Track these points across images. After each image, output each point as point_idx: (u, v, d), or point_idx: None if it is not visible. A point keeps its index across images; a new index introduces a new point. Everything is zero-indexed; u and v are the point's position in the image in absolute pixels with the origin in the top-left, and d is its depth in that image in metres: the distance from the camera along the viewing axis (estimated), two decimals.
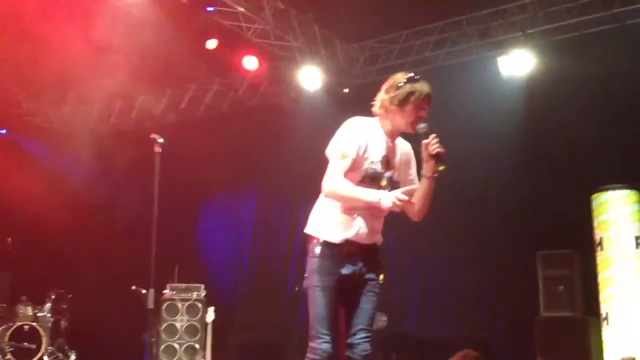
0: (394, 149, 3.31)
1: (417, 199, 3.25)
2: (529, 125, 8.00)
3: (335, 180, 3.16)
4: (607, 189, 7.25)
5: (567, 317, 7.38)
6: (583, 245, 7.39)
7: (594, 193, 7.32)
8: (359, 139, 3.19)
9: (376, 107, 3.29)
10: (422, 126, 3.20)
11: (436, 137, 3.16)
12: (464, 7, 8.36)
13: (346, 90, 9.31)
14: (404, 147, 3.39)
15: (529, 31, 8.07)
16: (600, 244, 7.22)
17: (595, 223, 7.29)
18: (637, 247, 7.08)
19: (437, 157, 3.13)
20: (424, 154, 3.16)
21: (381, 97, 3.26)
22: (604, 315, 7.12)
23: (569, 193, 7.56)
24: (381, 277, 3.33)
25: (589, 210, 7.32)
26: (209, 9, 7.93)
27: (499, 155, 7.94)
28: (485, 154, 7.96)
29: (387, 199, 3.08)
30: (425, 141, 3.15)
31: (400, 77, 3.23)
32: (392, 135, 3.29)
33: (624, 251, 7.08)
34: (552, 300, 7.48)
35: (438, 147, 3.12)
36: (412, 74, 3.25)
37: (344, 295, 3.17)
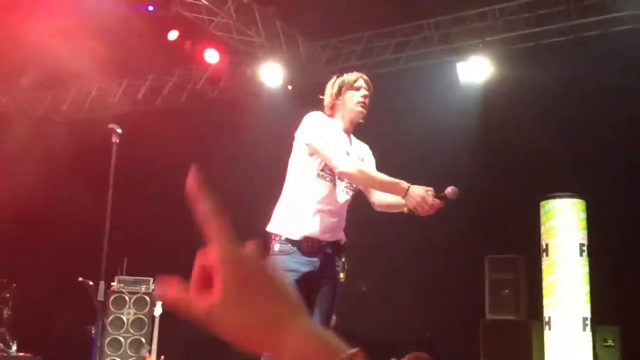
0: (350, 145, 3.37)
1: (386, 201, 3.35)
2: (483, 131, 8.16)
3: (353, 161, 3.19)
4: (555, 197, 7.44)
5: (511, 320, 7.55)
6: (530, 251, 7.57)
7: (542, 200, 7.51)
8: (332, 128, 3.28)
9: (327, 111, 3.39)
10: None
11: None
12: (426, 11, 8.47)
13: (290, 88, 9.31)
14: (360, 147, 3.45)
15: (488, 39, 8.23)
16: (546, 249, 7.41)
17: (543, 229, 7.48)
18: (581, 255, 7.29)
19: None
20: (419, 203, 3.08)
21: (325, 102, 3.40)
22: (546, 320, 7.31)
23: (519, 199, 7.73)
24: (342, 275, 3.37)
25: (537, 217, 7.50)
26: (149, 8, 7.84)
27: (453, 159, 8.08)
28: (439, 157, 8.08)
29: (417, 192, 3.04)
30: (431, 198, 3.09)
31: (331, 80, 3.51)
32: (347, 131, 3.37)
33: (568, 258, 7.28)
34: (497, 303, 7.65)
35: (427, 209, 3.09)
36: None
37: (303, 293, 3.19)
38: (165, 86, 10.21)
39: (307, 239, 3.19)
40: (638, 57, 7.77)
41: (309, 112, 3.38)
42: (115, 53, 8.37)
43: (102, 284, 4.44)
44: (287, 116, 3.45)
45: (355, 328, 8.32)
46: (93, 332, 7.02)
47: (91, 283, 6.75)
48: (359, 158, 3.38)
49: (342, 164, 3.12)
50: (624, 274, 7.52)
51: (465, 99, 8.24)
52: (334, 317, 7.33)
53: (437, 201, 3.08)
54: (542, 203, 7.51)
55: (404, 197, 3.08)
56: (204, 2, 8.07)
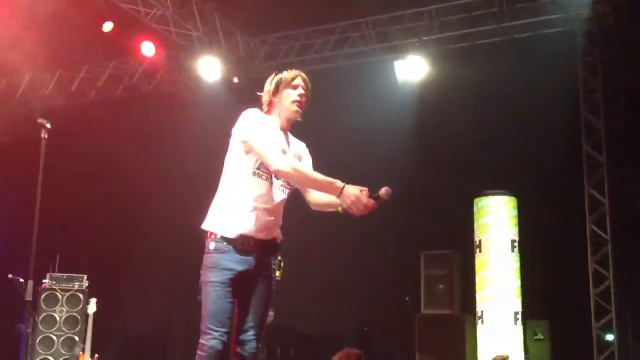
0: (287, 143, 3.36)
1: (321, 201, 3.34)
2: (420, 130, 8.30)
3: (288, 160, 3.16)
4: (488, 194, 7.64)
5: (445, 315, 7.72)
6: (464, 247, 7.75)
7: (476, 197, 7.70)
8: (269, 126, 3.25)
9: (265, 108, 3.37)
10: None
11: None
12: (364, 10, 8.54)
13: (236, 80, 9.26)
14: (298, 145, 3.44)
15: (425, 38, 8.36)
16: (479, 246, 7.60)
17: (476, 226, 7.67)
18: (512, 251, 7.51)
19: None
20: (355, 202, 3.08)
21: (264, 100, 3.38)
22: (479, 314, 7.51)
23: (454, 196, 7.90)
24: (278, 274, 3.36)
25: (472, 214, 7.69)
26: None
27: (390, 156, 8.19)
28: (376, 154, 8.18)
29: (351, 192, 3.05)
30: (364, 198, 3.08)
31: (270, 77, 3.44)
32: (284, 129, 3.36)
33: (501, 254, 7.49)
34: (432, 299, 7.80)
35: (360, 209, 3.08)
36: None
37: (239, 292, 3.18)
38: (100, 78, 9.97)
39: (242, 238, 3.17)
40: (568, 58, 8.06)
41: (246, 107, 3.36)
42: (48, 43, 8.12)
43: (30, 282, 4.30)
44: (225, 111, 3.43)
45: (293, 324, 8.36)
46: (22, 330, 6.82)
47: (22, 281, 6.56)
48: (297, 157, 3.37)
49: (277, 162, 3.11)
50: (553, 270, 7.80)
51: (402, 97, 8.36)
52: (271, 314, 7.36)
53: (371, 201, 3.10)
54: (476, 200, 7.70)
55: (338, 196, 3.09)
56: None
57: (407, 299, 8.12)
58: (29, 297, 4.31)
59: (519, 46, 8.22)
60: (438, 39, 8.45)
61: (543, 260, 7.75)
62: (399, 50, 8.59)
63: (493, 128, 8.05)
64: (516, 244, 7.53)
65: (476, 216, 7.67)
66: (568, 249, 7.96)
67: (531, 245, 7.61)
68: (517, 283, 7.48)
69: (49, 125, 4.36)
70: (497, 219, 7.56)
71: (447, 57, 8.39)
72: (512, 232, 7.55)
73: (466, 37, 8.42)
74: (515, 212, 7.59)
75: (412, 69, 8.35)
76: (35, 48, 7.98)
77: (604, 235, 7.93)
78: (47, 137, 4.36)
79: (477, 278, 7.58)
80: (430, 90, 8.27)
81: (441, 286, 7.76)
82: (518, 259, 7.53)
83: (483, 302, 7.49)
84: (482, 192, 7.65)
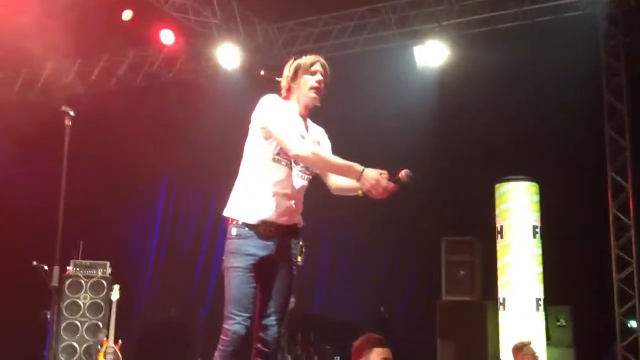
0: (306, 128, 3.36)
1: (341, 185, 3.34)
2: (440, 115, 8.25)
3: (307, 144, 3.16)
4: (509, 180, 7.59)
5: (466, 301, 7.70)
6: (485, 233, 7.71)
7: (497, 183, 7.65)
8: (287, 111, 3.25)
9: (283, 94, 3.36)
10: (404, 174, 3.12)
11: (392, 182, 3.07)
12: None
13: (262, 73, 9.28)
14: (316, 130, 3.44)
15: (444, 23, 8.29)
16: (500, 232, 7.57)
17: (497, 212, 7.63)
18: (534, 237, 7.46)
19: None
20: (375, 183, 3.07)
21: (282, 85, 3.38)
22: (500, 300, 7.48)
23: (474, 182, 7.86)
24: (299, 259, 3.37)
25: (492, 199, 7.65)
26: None
27: (410, 141, 8.16)
28: (396, 139, 8.15)
29: (371, 175, 3.03)
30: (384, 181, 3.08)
31: (288, 62, 3.42)
32: (303, 115, 3.35)
33: (522, 239, 7.45)
34: (453, 284, 7.78)
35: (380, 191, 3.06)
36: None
37: (261, 277, 3.19)
38: (120, 67, 10.02)
39: (264, 223, 3.18)
40: (590, 41, 7.94)
41: (265, 94, 3.35)
42: (68, 32, 8.16)
43: (56, 269, 4.35)
44: (244, 98, 3.42)
45: (315, 309, 8.39)
46: (49, 316, 6.92)
47: (46, 267, 6.64)
48: (315, 142, 3.37)
49: (296, 147, 3.11)
50: (575, 255, 7.73)
51: (422, 83, 8.30)
52: (292, 299, 7.38)
53: (391, 184, 3.09)
54: (497, 186, 7.65)
55: (358, 179, 3.09)
56: None
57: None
58: (54, 282, 4.36)
59: (540, 30, 8.11)
60: (457, 23, 8.37)
61: (565, 245, 7.69)
62: (418, 35, 8.52)
63: (514, 113, 7.97)
64: (537, 230, 7.48)
65: (497, 202, 7.63)
66: (590, 234, 7.88)
67: (553, 231, 7.56)
68: (538, 269, 7.43)
69: (72, 113, 4.39)
70: (518, 205, 7.51)
71: (466, 42, 8.31)
72: (533, 217, 7.50)
73: (486, 21, 8.33)
74: (536, 198, 7.53)
75: (432, 54, 8.28)
76: (55, 37, 8.02)
77: (626, 220, 7.84)
78: (70, 124, 4.39)
79: (499, 264, 7.55)
80: (450, 75, 8.20)
81: (462, 272, 7.73)
82: (539, 244, 7.48)
83: (504, 288, 7.46)
84: (503, 177, 7.60)
